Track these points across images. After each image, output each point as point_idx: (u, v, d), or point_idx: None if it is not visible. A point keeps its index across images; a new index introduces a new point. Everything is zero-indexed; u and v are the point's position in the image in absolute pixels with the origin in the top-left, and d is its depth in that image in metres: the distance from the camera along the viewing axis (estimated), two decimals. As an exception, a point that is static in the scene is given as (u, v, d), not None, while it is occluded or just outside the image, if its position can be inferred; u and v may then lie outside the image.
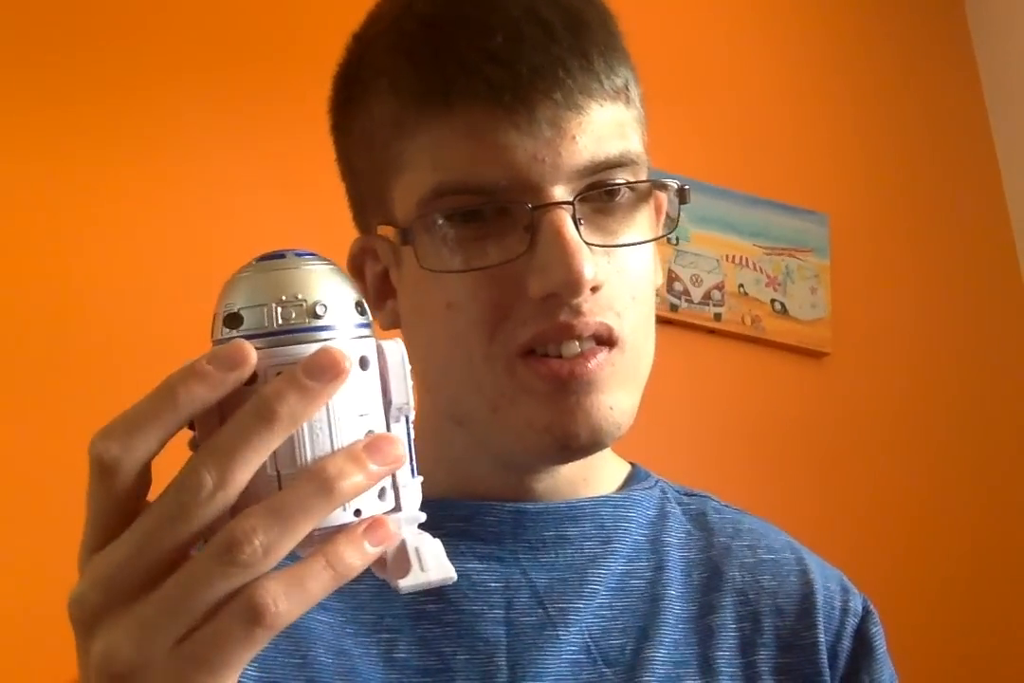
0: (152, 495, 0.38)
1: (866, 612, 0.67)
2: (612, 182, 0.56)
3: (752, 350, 1.97)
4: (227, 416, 0.37)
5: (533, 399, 0.56)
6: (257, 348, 0.37)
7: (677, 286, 1.92)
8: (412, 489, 0.42)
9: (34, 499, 1.42)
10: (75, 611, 0.37)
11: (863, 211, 2.14)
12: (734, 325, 1.96)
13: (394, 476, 0.41)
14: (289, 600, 0.35)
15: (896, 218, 2.17)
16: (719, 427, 1.91)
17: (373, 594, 0.60)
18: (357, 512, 0.39)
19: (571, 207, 0.54)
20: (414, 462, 0.42)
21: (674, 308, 1.91)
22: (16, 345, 1.51)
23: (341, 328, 0.39)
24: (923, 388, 2.08)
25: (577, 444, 0.57)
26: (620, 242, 0.57)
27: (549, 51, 0.54)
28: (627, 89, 0.58)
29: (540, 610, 0.60)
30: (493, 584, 0.61)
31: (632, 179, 0.58)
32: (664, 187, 0.61)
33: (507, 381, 0.57)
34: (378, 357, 0.41)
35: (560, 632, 0.60)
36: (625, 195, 0.58)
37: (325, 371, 0.37)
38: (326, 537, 0.37)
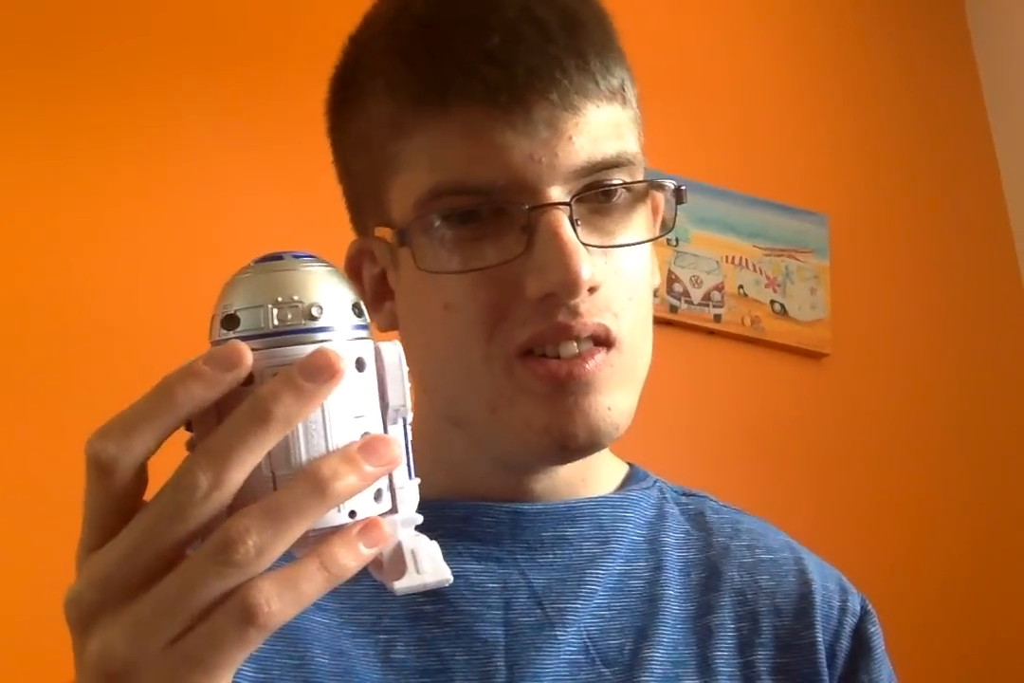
0: (149, 495, 0.38)
1: (864, 612, 0.67)
2: (609, 183, 0.56)
3: (752, 351, 1.97)
4: (224, 417, 0.37)
5: (531, 400, 0.56)
6: (254, 349, 0.37)
7: (677, 287, 1.92)
8: (409, 491, 0.42)
9: (34, 499, 1.42)
10: (71, 610, 0.37)
11: (863, 212, 2.14)
12: (734, 326, 1.96)
13: (391, 478, 0.41)
14: (282, 601, 0.36)
15: (896, 219, 2.17)
16: (719, 428, 1.91)
17: (371, 595, 0.60)
18: (352, 513, 0.39)
19: (568, 208, 0.54)
20: (411, 464, 0.42)
21: (674, 309, 1.91)
22: (15, 345, 1.51)
23: (338, 329, 0.39)
24: (923, 389, 2.08)
25: (575, 445, 0.57)
26: (617, 243, 0.57)
27: (545, 51, 0.54)
28: (623, 89, 0.58)
29: (538, 610, 0.60)
30: (491, 585, 0.61)
31: (629, 180, 0.58)
32: (661, 187, 0.61)
33: (505, 382, 0.57)
34: (375, 359, 0.41)
35: (558, 632, 0.60)
36: (622, 196, 0.58)
37: (320, 372, 0.37)
38: (321, 538, 0.38)
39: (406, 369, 0.41)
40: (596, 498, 0.65)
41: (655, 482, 0.71)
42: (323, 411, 0.38)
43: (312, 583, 0.36)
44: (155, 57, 1.68)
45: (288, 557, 0.37)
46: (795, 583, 0.66)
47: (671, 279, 1.92)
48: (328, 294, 0.39)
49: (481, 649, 0.59)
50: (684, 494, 0.72)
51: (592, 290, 0.55)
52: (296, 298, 0.38)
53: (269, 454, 0.37)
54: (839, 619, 0.66)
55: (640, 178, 0.59)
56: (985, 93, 2.35)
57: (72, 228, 1.58)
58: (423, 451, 0.60)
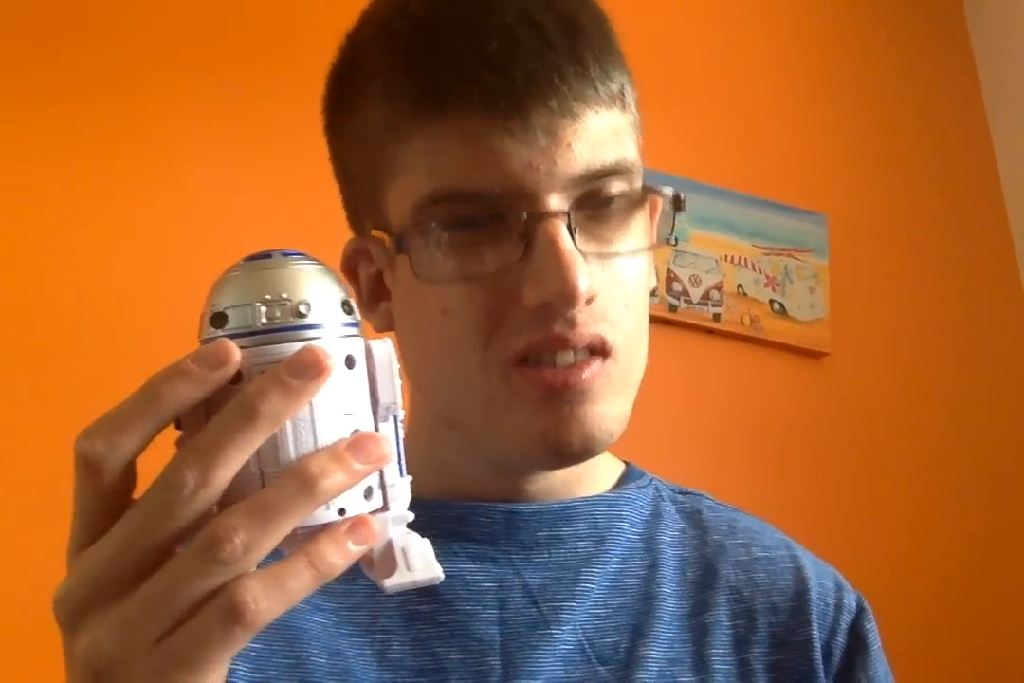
0: (139, 493, 0.38)
1: (860, 609, 0.67)
2: (608, 193, 0.56)
3: (751, 350, 1.97)
4: (213, 415, 0.37)
5: (527, 407, 0.56)
6: (242, 347, 0.37)
7: (676, 286, 1.92)
8: (401, 488, 0.42)
9: (34, 499, 1.42)
10: (60, 607, 0.38)
11: (862, 211, 2.14)
12: (733, 325, 1.96)
13: (382, 475, 0.41)
14: (269, 599, 0.35)
15: (895, 218, 2.17)
16: (718, 427, 1.91)
17: (367, 595, 0.60)
18: (342, 511, 0.39)
19: (566, 216, 0.54)
20: (403, 461, 0.42)
21: (673, 308, 1.91)
22: (14, 345, 1.51)
23: (326, 327, 0.39)
24: (922, 388, 2.08)
25: (570, 452, 0.57)
26: (614, 250, 0.57)
27: (544, 57, 0.54)
28: (622, 94, 0.58)
29: (534, 609, 0.61)
30: (487, 584, 0.61)
31: (627, 186, 0.57)
32: (659, 194, 0.61)
33: (501, 388, 0.57)
34: (366, 356, 0.41)
35: (554, 631, 0.60)
36: (619, 202, 0.57)
37: (307, 369, 0.37)
38: (309, 536, 0.37)
39: (396, 366, 0.41)
40: (591, 497, 0.65)
41: (651, 480, 0.71)
42: (311, 408, 0.38)
43: (299, 581, 0.36)
44: (154, 57, 1.68)
45: (279, 555, 0.37)
46: (791, 580, 0.67)
47: (670, 278, 1.92)
48: (317, 292, 0.39)
49: (476, 648, 0.59)
50: (680, 492, 0.72)
51: (589, 300, 0.55)
52: (284, 296, 0.38)
53: (258, 452, 0.37)
54: (835, 616, 0.66)
55: (638, 183, 0.58)
56: (984, 92, 2.35)
57: (70, 227, 1.58)
58: (418, 451, 0.60)
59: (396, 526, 0.42)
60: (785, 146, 2.11)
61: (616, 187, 0.56)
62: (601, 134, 0.55)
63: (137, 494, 0.38)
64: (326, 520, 0.38)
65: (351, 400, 0.39)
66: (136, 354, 1.48)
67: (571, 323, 0.55)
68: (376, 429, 0.41)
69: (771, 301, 2.00)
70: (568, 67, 0.54)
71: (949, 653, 1.93)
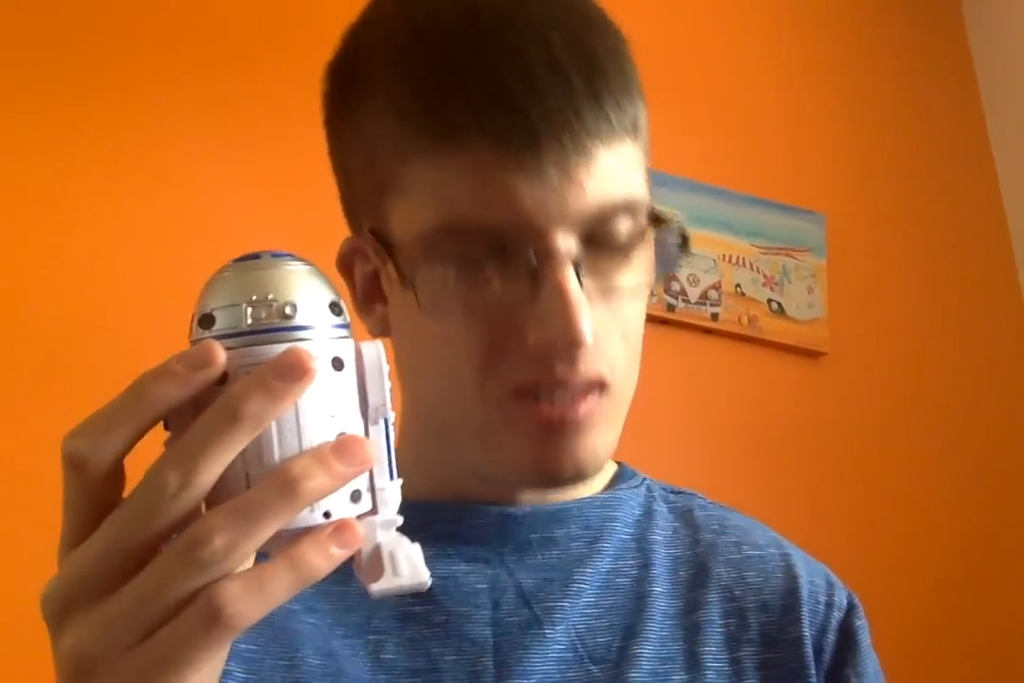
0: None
1: (851, 606, 0.68)
2: (616, 229, 0.56)
3: (749, 350, 1.97)
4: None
5: (521, 438, 0.57)
6: (229, 348, 0.37)
7: (674, 286, 1.92)
8: (391, 492, 0.42)
9: (32, 498, 1.42)
10: (47, 605, 0.38)
11: (860, 211, 2.14)
12: (731, 325, 1.96)
13: (372, 478, 0.41)
14: (249, 601, 0.35)
15: (893, 218, 2.17)
16: (716, 427, 1.91)
17: (361, 596, 0.60)
18: (327, 514, 0.38)
19: (574, 256, 0.54)
20: (393, 465, 0.42)
21: (671, 308, 1.91)
22: (13, 346, 1.51)
23: (314, 328, 0.39)
24: (920, 388, 2.08)
25: (561, 479, 0.58)
26: (617, 285, 0.57)
27: (561, 96, 0.53)
28: (635, 123, 0.57)
29: (526, 610, 0.61)
30: (480, 585, 0.61)
31: (633, 221, 0.56)
32: (665, 229, 0.60)
33: (497, 417, 0.57)
34: (356, 358, 0.40)
35: (547, 630, 0.60)
36: (625, 237, 0.57)
37: (290, 371, 0.36)
38: (293, 539, 0.37)
39: (386, 369, 0.41)
40: (584, 499, 0.66)
41: (643, 480, 0.71)
42: (297, 410, 0.38)
43: (280, 584, 0.36)
44: (152, 57, 1.68)
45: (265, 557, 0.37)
46: (782, 578, 0.67)
47: (668, 277, 1.92)
48: (305, 293, 0.39)
49: (470, 649, 0.59)
50: (672, 492, 0.73)
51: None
52: (271, 297, 0.38)
53: (244, 453, 0.37)
54: (825, 613, 0.66)
55: (644, 218, 0.58)
56: (982, 92, 2.35)
57: (69, 227, 1.58)
58: (408, 453, 0.60)
59: (385, 530, 0.42)
60: (783, 146, 2.11)
61: (623, 224, 0.56)
62: (612, 170, 0.54)
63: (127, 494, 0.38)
64: (310, 523, 0.38)
65: (338, 402, 0.39)
66: (134, 353, 1.47)
67: (572, 364, 0.55)
68: (366, 432, 0.41)
69: (769, 301, 2.00)
70: (584, 104, 0.53)
71: (947, 653, 1.93)
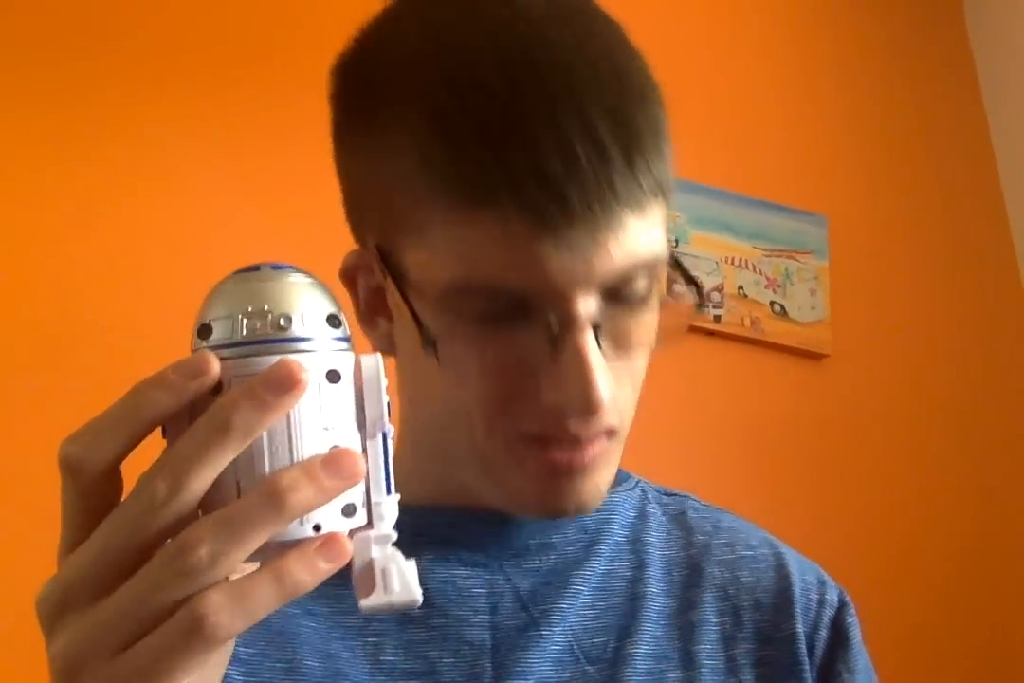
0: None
1: (842, 604, 0.68)
2: (636, 287, 0.55)
3: (751, 352, 1.97)
4: None
5: (526, 477, 0.57)
6: (224, 358, 0.38)
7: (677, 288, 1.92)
8: (387, 507, 0.41)
9: (34, 501, 1.42)
10: (40, 608, 0.38)
11: (862, 213, 2.14)
12: (733, 327, 1.96)
13: (368, 493, 0.41)
14: (231, 613, 0.35)
15: (895, 220, 2.17)
16: (719, 429, 1.91)
17: None
18: (317, 527, 0.38)
19: (595, 321, 0.53)
20: (391, 479, 0.41)
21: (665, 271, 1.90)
22: (12, 348, 1.51)
23: (311, 340, 0.39)
24: (922, 390, 2.08)
25: (563, 514, 0.59)
26: (633, 341, 0.57)
27: (598, 170, 0.51)
28: (665, 183, 0.55)
29: (524, 614, 0.61)
30: (478, 590, 0.62)
31: (651, 278, 0.56)
32: (683, 284, 0.60)
33: (503, 455, 0.57)
34: (355, 371, 0.40)
35: (544, 632, 0.61)
36: (643, 291, 0.56)
37: (280, 383, 0.36)
38: (282, 551, 0.37)
39: (385, 382, 0.41)
40: None
41: (637, 483, 0.72)
42: (289, 422, 0.38)
43: (264, 597, 0.36)
44: (154, 61, 1.69)
45: None
46: (774, 577, 0.68)
47: (671, 280, 1.91)
48: (302, 305, 0.39)
49: (468, 652, 0.60)
50: (666, 494, 0.73)
51: None
52: (267, 308, 0.38)
53: (236, 463, 0.37)
54: (817, 611, 0.67)
55: (663, 270, 0.57)
56: (983, 93, 2.35)
57: (69, 230, 1.59)
58: (409, 459, 0.60)
59: (379, 545, 0.41)
60: (785, 148, 2.11)
61: (643, 282, 0.55)
62: (640, 233, 0.53)
63: None
64: (299, 536, 0.38)
65: (332, 415, 0.39)
66: (135, 355, 1.48)
67: (586, 423, 0.55)
68: (363, 446, 0.40)
69: (771, 303, 2.00)
70: (619, 175, 0.52)
71: (945, 652, 1.93)
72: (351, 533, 0.40)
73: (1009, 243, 2.26)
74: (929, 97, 2.29)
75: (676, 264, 0.58)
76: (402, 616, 0.60)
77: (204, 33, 1.73)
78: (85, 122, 1.63)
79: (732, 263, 1.99)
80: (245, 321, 0.38)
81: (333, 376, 0.39)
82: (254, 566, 0.37)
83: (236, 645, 0.54)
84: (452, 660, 0.59)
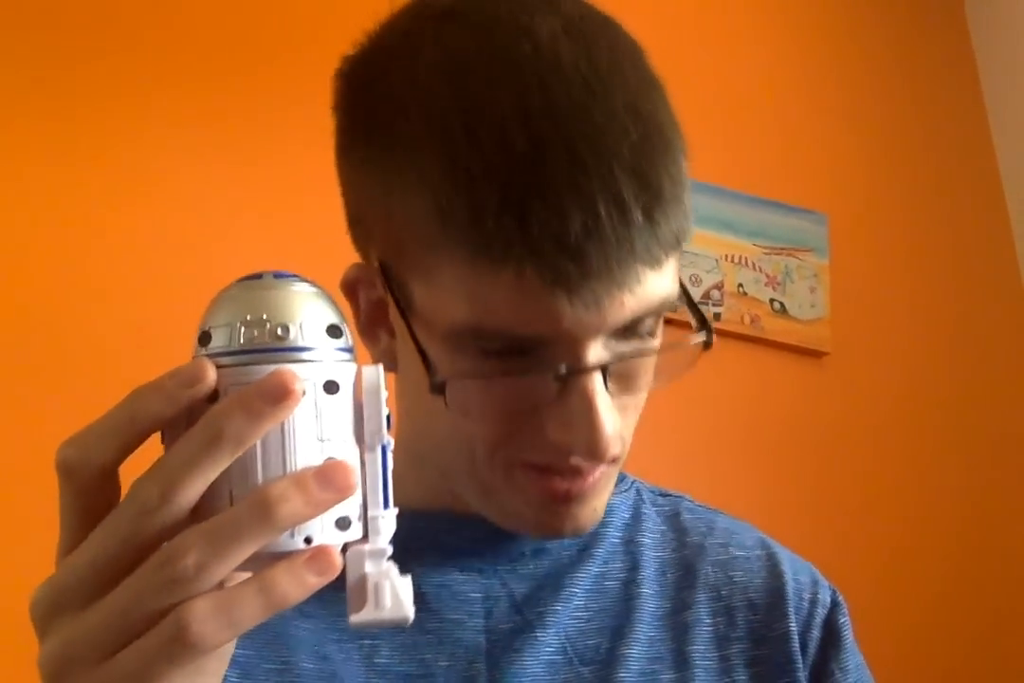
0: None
1: (834, 603, 0.69)
2: (644, 327, 0.54)
3: (751, 350, 1.97)
4: None
5: (525, 502, 0.57)
6: (222, 366, 0.38)
7: (676, 286, 1.92)
8: (384, 521, 0.41)
9: (34, 501, 1.42)
10: (33, 611, 0.38)
11: (862, 211, 2.14)
12: (733, 325, 1.96)
13: (364, 506, 0.40)
14: (216, 623, 0.35)
15: (895, 217, 2.17)
16: (718, 427, 1.91)
17: None
18: (308, 540, 0.38)
19: (604, 366, 0.53)
20: (389, 493, 0.41)
21: (673, 308, 1.90)
22: (11, 349, 1.51)
23: (310, 350, 0.39)
24: (922, 387, 2.08)
25: (559, 536, 0.60)
26: (637, 375, 0.56)
27: (619, 232, 0.50)
28: (684, 235, 0.54)
29: (518, 616, 0.62)
30: (473, 594, 0.62)
31: (658, 316, 0.55)
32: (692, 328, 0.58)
33: (502, 481, 0.57)
34: (355, 383, 0.40)
35: (538, 634, 0.61)
36: (650, 329, 0.56)
37: (273, 393, 0.36)
38: (271, 562, 0.37)
39: (385, 394, 0.40)
40: None
41: (632, 483, 0.72)
42: (283, 432, 0.37)
43: (249, 608, 0.36)
44: (155, 65, 1.69)
45: None
46: (767, 577, 0.68)
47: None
48: (302, 314, 0.39)
49: (463, 654, 0.60)
50: (660, 494, 0.73)
51: None
52: (265, 317, 0.38)
53: (229, 472, 0.37)
54: (809, 610, 0.67)
55: (671, 307, 0.56)
56: (984, 91, 2.35)
57: (71, 233, 1.59)
58: (405, 467, 0.60)
59: (374, 560, 0.41)
60: (786, 146, 2.11)
61: (651, 320, 0.55)
62: (655, 285, 0.53)
63: None
64: (289, 548, 0.38)
65: (329, 426, 0.39)
66: (139, 359, 1.48)
67: (591, 460, 0.55)
68: (361, 458, 0.40)
69: (771, 300, 2.00)
70: (639, 236, 0.51)
71: (942, 652, 1.93)
72: (346, 546, 0.40)
73: (1009, 241, 2.26)
74: (930, 95, 2.29)
75: (690, 304, 0.57)
76: None
77: (208, 38, 1.73)
78: (88, 126, 1.63)
79: (732, 261, 1.99)
80: (243, 330, 0.38)
81: (331, 387, 0.39)
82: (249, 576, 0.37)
83: None
84: (447, 663, 0.59)
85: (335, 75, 0.60)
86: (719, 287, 1.96)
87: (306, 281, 0.40)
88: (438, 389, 0.52)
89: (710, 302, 1.95)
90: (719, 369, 1.94)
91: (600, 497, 0.58)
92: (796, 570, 0.69)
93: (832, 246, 2.06)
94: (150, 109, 1.66)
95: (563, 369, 0.52)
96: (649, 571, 0.66)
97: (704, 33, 2.11)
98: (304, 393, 0.38)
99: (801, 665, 0.65)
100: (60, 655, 0.36)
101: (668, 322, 0.57)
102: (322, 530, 0.38)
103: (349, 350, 0.40)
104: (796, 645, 0.65)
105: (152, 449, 0.39)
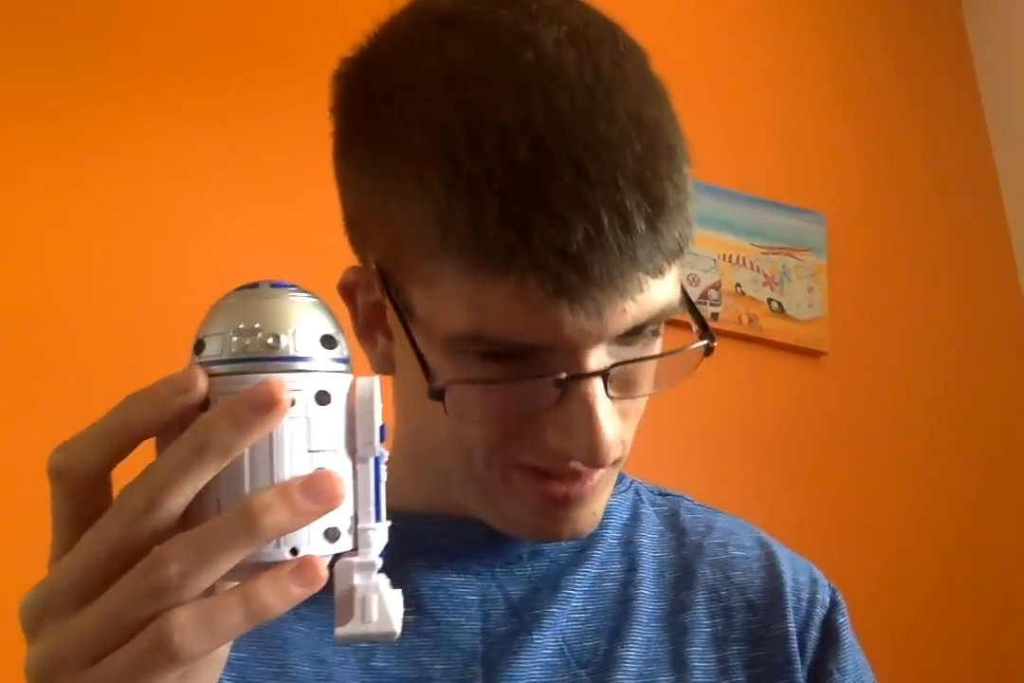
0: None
1: (833, 603, 0.68)
2: (645, 333, 0.54)
3: (749, 349, 1.97)
4: None
5: (523, 505, 0.57)
6: (215, 375, 0.38)
7: (674, 286, 1.92)
8: (375, 533, 0.40)
9: (33, 502, 1.42)
10: (23, 615, 0.38)
11: (859, 210, 2.14)
12: (731, 324, 1.96)
13: (355, 518, 0.40)
14: (197, 633, 0.35)
15: (893, 217, 2.17)
16: (715, 426, 1.91)
17: None
18: (294, 551, 0.38)
19: (605, 371, 0.52)
20: (381, 505, 0.40)
21: (674, 312, 1.90)
22: (11, 350, 1.51)
23: (304, 360, 0.38)
24: (920, 387, 2.08)
25: (558, 540, 0.60)
26: (639, 376, 0.56)
27: (622, 243, 0.49)
28: (686, 242, 0.53)
29: (515, 619, 0.61)
30: (470, 597, 0.62)
31: (661, 323, 0.55)
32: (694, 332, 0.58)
33: (500, 484, 0.56)
34: (348, 393, 0.40)
35: (535, 636, 0.61)
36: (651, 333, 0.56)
37: (260, 402, 0.36)
38: (256, 573, 0.37)
39: (379, 406, 0.40)
40: None
41: (631, 483, 0.72)
42: (272, 442, 0.37)
43: (231, 619, 0.35)
44: (158, 67, 1.69)
45: None
46: (767, 577, 0.68)
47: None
48: (296, 324, 0.39)
49: (459, 658, 0.60)
50: (660, 494, 0.73)
51: None
52: (257, 326, 0.38)
53: (217, 480, 0.37)
54: (808, 610, 0.67)
55: (673, 312, 0.56)
56: (982, 90, 2.35)
57: (72, 235, 1.59)
58: (403, 469, 0.60)
59: (362, 572, 0.40)
60: (783, 145, 2.11)
61: (653, 327, 0.54)
62: (657, 293, 0.52)
63: None
64: (274, 558, 0.37)
65: (320, 437, 0.38)
66: (139, 362, 1.48)
67: (590, 465, 0.54)
68: (354, 469, 0.40)
69: (769, 300, 2.00)
70: (642, 245, 0.50)
71: (941, 651, 1.93)
72: (335, 558, 0.40)
73: (1007, 240, 2.26)
74: (927, 94, 2.29)
75: (692, 310, 0.57)
76: None
77: (208, 38, 1.73)
78: (88, 126, 1.63)
79: (730, 260, 1.99)
80: (235, 338, 0.38)
81: (323, 397, 0.39)
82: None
83: None
84: (443, 666, 0.59)
85: (333, 77, 0.59)
86: (717, 287, 1.96)
87: (303, 291, 0.40)
88: (437, 395, 0.52)
89: (708, 302, 1.95)
90: (717, 369, 1.93)
91: (599, 500, 0.58)
92: (795, 570, 0.69)
93: (830, 246, 2.06)
94: (150, 109, 1.66)
95: (563, 375, 0.51)
96: (647, 572, 0.66)
97: (701, 32, 2.11)
98: (294, 403, 0.37)
99: (800, 666, 0.64)
100: (47, 658, 0.36)
101: (668, 323, 0.57)
102: (309, 541, 0.38)
103: (344, 361, 0.40)
104: (795, 646, 0.65)
105: (151, 456, 0.38)
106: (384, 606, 0.40)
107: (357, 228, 0.60)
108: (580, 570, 0.64)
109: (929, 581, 1.96)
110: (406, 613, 0.59)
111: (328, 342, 0.39)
